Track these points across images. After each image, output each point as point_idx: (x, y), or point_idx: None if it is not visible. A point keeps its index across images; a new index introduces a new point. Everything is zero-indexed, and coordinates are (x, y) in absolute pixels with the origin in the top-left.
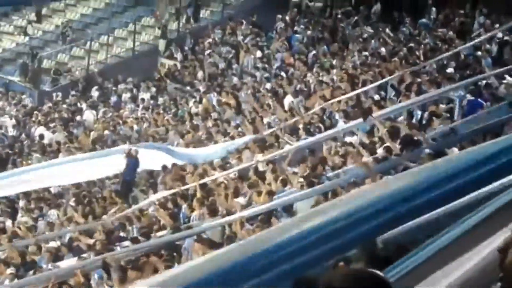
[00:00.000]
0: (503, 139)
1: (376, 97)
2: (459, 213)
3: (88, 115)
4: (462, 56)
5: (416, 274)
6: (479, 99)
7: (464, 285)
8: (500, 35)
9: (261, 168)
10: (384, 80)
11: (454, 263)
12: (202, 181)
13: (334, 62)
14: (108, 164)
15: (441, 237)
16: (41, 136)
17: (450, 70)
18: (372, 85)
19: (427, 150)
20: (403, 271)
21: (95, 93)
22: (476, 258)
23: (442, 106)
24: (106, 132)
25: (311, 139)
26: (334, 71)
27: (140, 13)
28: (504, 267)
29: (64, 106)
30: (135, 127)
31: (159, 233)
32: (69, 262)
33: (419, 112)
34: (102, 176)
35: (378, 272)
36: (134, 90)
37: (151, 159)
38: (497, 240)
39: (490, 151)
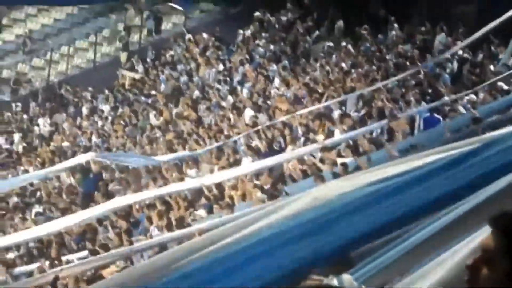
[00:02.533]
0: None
1: (338, 112)
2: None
3: (44, 125)
4: (423, 73)
5: (388, 273)
6: (435, 114)
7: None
8: (460, 52)
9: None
10: (344, 97)
11: (431, 262)
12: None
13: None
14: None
15: (416, 234)
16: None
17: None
18: (334, 100)
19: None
20: (373, 271)
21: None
22: (453, 257)
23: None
24: (65, 143)
25: (274, 159)
26: (295, 85)
27: (101, 24)
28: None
29: (25, 116)
30: (94, 138)
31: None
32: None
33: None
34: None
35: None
36: (94, 102)
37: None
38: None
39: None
